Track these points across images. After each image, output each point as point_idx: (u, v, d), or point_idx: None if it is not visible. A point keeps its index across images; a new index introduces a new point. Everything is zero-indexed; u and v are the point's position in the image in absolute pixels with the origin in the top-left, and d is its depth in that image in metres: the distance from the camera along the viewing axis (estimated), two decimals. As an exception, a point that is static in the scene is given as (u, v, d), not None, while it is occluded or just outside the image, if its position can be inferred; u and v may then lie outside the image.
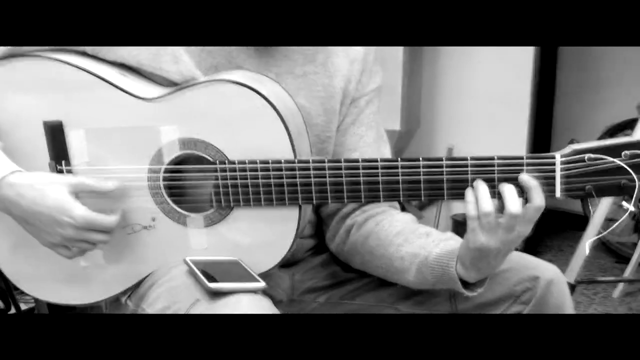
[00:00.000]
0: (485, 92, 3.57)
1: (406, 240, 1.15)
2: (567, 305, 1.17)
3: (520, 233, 1.02)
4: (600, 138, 3.76)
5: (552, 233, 4.14)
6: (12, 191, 1.04)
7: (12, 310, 2.29)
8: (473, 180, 1.03)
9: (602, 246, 3.60)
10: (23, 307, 2.29)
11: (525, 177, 1.01)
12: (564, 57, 4.08)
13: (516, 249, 1.09)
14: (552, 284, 1.15)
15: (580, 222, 3.17)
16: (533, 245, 3.87)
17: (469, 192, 1.03)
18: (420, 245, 1.13)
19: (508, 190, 1.01)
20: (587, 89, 4.18)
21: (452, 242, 1.11)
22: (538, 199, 1.01)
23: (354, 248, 1.21)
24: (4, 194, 1.04)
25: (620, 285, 3.05)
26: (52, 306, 2.37)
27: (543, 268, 1.17)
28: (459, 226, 3.38)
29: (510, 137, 3.56)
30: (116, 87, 1.09)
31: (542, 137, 4.03)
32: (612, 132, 3.72)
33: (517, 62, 3.45)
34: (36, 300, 2.20)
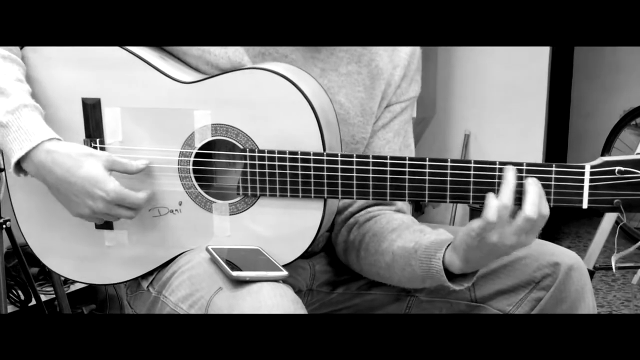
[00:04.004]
0: (501, 77, 3.56)
1: (399, 236, 1.14)
2: (587, 290, 1.16)
3: (524, 242, 1.00)
4: (619, 122, 3.74)
5: (570, 220, 4.13)
6: (48, 157, 1.04)
7: (33, 302, 2.31)
8: (499, 185, 1.00)
9: (622, 232, 3.58)
10: (43, 298, 2.31)
11: (530, 183, 0.99)
12: (581, 41, 4.05)
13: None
14: (572, 270, 1.15)
15: (599, 208, 3.15)
16: (551, 232, 3.85)
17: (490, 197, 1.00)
18: (411, 239, 1.12)
19: (532, 192, 0.98)
20: (604, 73, 4.15)
21: (443, 236, 1.10)
22: (545, 210, 0.99)
23: (352, 245, 1.21)
24: (41, 159, 1.04)
25: (640, 272, 3.04)
26: (71, 298, 2.40)
27: (562, 254, 1.17)
28: (476, 215, 3.38)
29: (526, 122, 3.54)
30: (155, 68, 1.09)
31: (559, 122, 4.01)
32: (630, 116, 3.70)
33: (533, 48, 3.42)
34: (56, 292, 2.22)
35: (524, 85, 3.50)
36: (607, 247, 3.18)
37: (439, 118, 3.68)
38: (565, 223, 4.07)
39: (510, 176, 0.99)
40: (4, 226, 1.98)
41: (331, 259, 1.30)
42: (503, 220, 0.98)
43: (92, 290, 2.69)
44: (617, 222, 3.04)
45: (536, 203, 0.98)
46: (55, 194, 1.08)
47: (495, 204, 0.98)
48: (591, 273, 2.50)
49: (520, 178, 1.00)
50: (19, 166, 1.06)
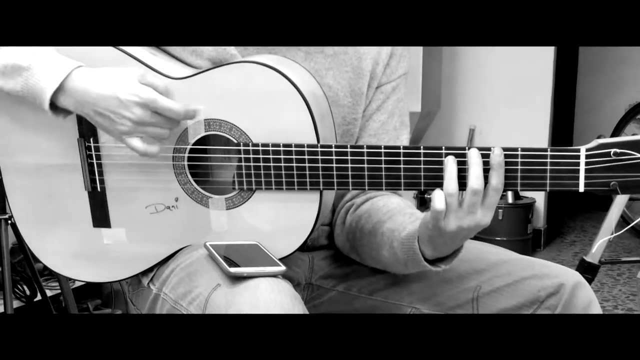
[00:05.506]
0: (506, 72, 3.55)
1: (390, 218, 1.15)
2: (593, 306, 1.15)
3: (481, 221, 1.00)
4: (624, 116, 3.73)
5: (575, 213, 4.12)
6: (82, 81, 1.04)
7: (38, 297, 2.33)
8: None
9: (624, 223, 3.58)
10: (49, 293, 2.32)
11: (495, 156, 0.99)
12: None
13: (537, 250, 1.06)
14: (577, 288, 1.14)
15: (603, 202, 3.15)
16: (556, 226, 3.85)
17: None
18: (401, 222, 1.13)
19: (474, 164, 0.99)
20: (609, 67, 4.14)
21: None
22: (494, 180, 0.99)
23: (349, 227, 1.22)
24: (76, 85, 1.04)
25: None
26: (77, 293, 2.41)
27: (566, 274, 1.16)
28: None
29: (531, 117, 3.53)
30: (146, 65, 1.09)
31: (564, 117, 4.00)
32: (635, 110, 3.68)
33: (538, 42, 3.41)
34: (61, 287, 2.23)
35: (529, 81, 3.49)
36: (612, 241, 3.18)
37: (443, 113, 3.68)
38: (570, 217, 4.07)
39: (450, 165, 1.00)
40: (9, 222, 1.99)
41: (331, 252, 1.30)
42: (453, 207, 0.99)
43: (97, 286, 2.70)
44: (622, 217, 3.03)
45: (479, 175, 0.98)
46: (97, 120, 1.05)
47: (441, 193, 1.00)
48: (596, 267, 2.49)
49: (515, 163, 1.01)
50: (53, 105, 1.05)
